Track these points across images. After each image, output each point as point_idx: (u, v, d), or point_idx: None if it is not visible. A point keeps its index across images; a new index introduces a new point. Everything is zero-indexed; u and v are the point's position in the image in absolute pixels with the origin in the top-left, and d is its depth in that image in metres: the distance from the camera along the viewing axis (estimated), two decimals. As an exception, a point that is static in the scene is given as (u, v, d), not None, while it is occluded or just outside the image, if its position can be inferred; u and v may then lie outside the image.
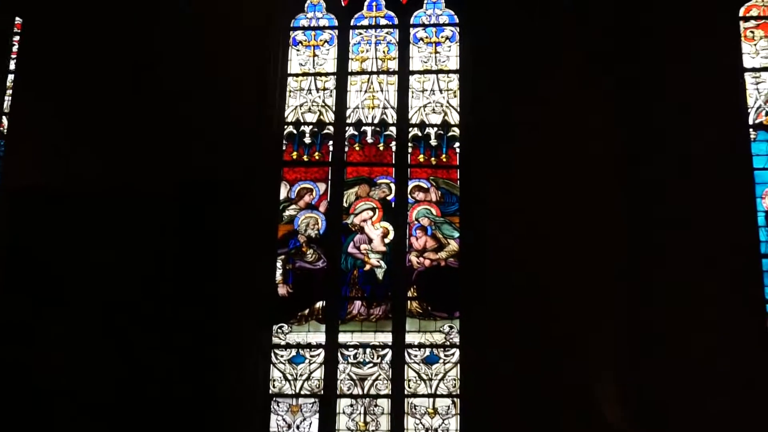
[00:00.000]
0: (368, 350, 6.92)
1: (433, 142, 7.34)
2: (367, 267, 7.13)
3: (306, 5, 7.76)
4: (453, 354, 6.87)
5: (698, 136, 6.91)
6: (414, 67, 7.53)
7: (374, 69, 7.56)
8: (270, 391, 6.86)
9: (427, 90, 7.46)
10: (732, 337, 6.54)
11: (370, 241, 7.18)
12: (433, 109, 7.41)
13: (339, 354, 6.92)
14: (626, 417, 6.38)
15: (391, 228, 7.20)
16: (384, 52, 7.60)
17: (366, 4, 7.72)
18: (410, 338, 6.92)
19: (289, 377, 6.89)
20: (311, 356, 6.93)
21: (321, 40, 7.68)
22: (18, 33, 7.79)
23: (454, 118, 7.37)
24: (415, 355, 6.88)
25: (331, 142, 7.39)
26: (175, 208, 6.88)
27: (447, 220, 7.19)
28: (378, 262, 7.14)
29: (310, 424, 6.80)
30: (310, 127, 7.44)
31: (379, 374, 6.87)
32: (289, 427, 6.81)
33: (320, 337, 6.96)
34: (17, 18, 7.81)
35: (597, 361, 6.49)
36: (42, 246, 6.85)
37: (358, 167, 7.35)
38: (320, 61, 7.62)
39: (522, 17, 7.31)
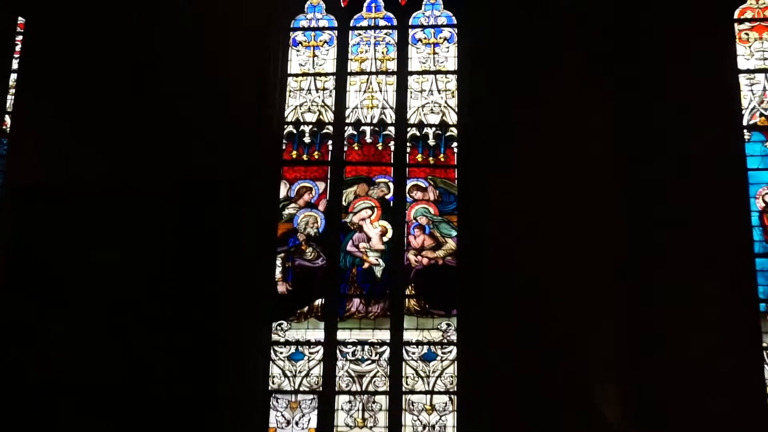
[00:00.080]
0: (366, 347, 6.97)
1: (431, 141, 7.38)
2: (366, 265, 7.17)
3: (306, 6, 7.80)
4: (450, 351, 6.92)
5: (698, 137, 6.94)
6: (412, 67, 7.58)
7: (373, 69, 7.60)
8: (269, 388, 6.90)
9: (425, 90, 7.51)
10: (732, 337, 6.57)
11: (369, 239, 7.23)
12: (432, 110, 7.46)
13: (338, 351, 6.96)
14: (626, 417, 6.41)
15: (389, 227, 7.24)
16: (383, 52, 7.64)
17: (365, 5, 7.76)
18: (408, 336, 6.97)
19: (289, 374, 6.94)
20: (310, 353, 6.98)
21: (321, 41, 7.72)
22: (21, 33, 7.81)
23: (452, 118, 7.42)
24: (413, 353, 6.93)
25: (330, 142, 7.43)
26: (176, 208, 6.90)
27: (445, 219, 7.23)
28: (376, 260, 7.18)
29: (309, 420, 6.85)
30: (310, 126, 7.48)
31: (378, 371, 6.92)
32: (288, 423, 6.85)
33: (319, 335, 7.01)
34: (20, 18, 7.83)
35: (597, 361, 6.52)
36: (43, 245, 6.87)
37: (357, 166, 7.39)
38: (320, 62, 7.67)
39: (522, 17, 7.34)
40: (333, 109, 7.51)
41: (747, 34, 7.33)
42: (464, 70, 7.47)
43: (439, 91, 7.50)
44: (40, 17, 7.62)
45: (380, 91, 7.54)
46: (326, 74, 7.62)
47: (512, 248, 6.81)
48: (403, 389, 6.86)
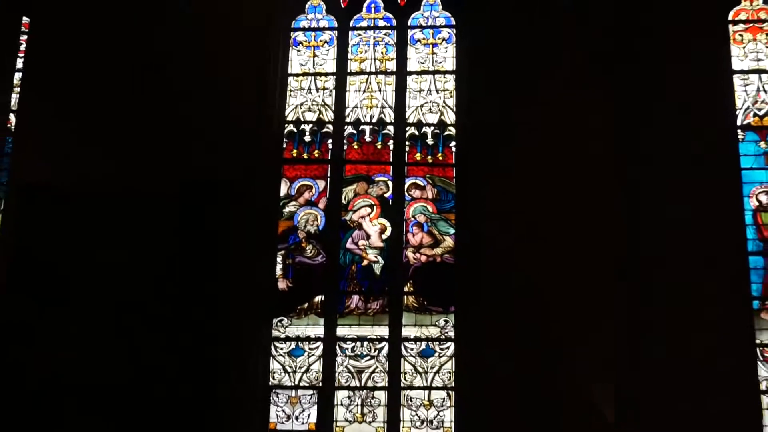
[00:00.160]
0: (366, 343, 7.03)
1: (430, 141, 7.44)
2: (365, 262, 7.24)
3: (306, 6, 7.86)
4: (448, 347, 6.99)
5: (697, 136, 6.98)
6: (411, 67, 7.65)
7: (373, 69, 7.67)
8: (270, 383, 6.97)
9: (424, 90, 7.57)
10: (732, 337, 6.62)
11: (368, 237, 7.29)
12: (430, 109, 7.52)
13: (337, 347, 7.03)
14: (625, 417, 6.45)
15: (388, 224, 7.30)
16: (382, 52, 7.71)
17: (365, 5, 7.83)
18: (406, 332, 7.03)
19: (289, 369, 7.00)
20: (310, 349, 7.04)
21: (321, 41, 7.78)
22: (25, 32, 7.86)
23: (450, 117, 7.48)
24: (411, 349, 6.99)
25: (330, 141, 7.49)
26: (176, 207, 6.94)
27: (443, 217, 7.29)
28: (375, 257, 7.25)
29: (309, 415, 6.91)
30: (310, 125, 7.54)
31: (376, 367, 6.98)
32: (288, 417, 6.92)
33: (319, 331, 7.07)
34: (25, 18, 7.89)
35: (595, 361, 6.54)
36: (46, 244, 6.91)
37: (357, 165, 7.45)
38: (320, 62, 7.73)
39: (521, 17, 7.36)
40: (333, 108, 7.57)
41: (741, 35, 7.41)
42: (462, 71, 7.53)
43: (437, 90, 7.56)
44: (45, 17, 7.67)
45: (379, 90, 7.60)
46: (326, 74, 7.68)
47: (510, 247, 6.84)
48: (402, 385, 6.92)
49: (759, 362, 6.68)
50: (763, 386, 6.64)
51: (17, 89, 7.73)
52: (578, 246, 6.75)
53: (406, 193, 7.36)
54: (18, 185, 7.15)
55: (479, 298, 6.85)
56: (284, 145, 7.48)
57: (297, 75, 7.69)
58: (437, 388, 6.91)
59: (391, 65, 7.67)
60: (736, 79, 7.27)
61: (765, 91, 7.25)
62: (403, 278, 7.16)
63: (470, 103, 7.36)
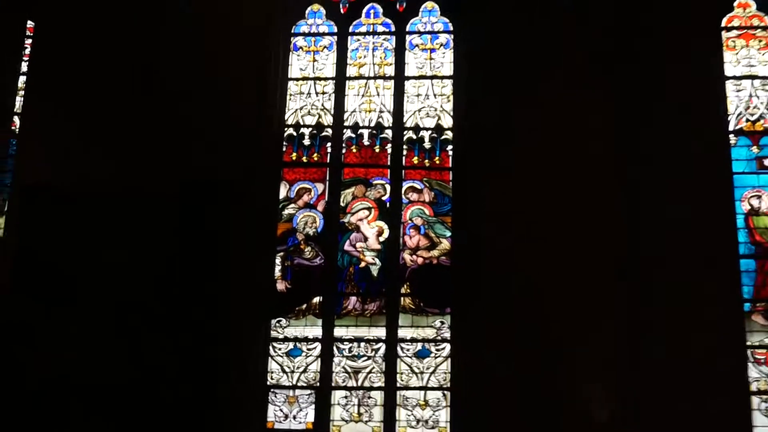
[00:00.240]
0: (363, 344, 7.09)
1: (427, 144, 7.51)
2: (363, 264, 7.31)
3: (307, 12, 7.94)
4: (444, 348, 7.04)
5: (697, 137, 7.02)
6: (409, 72, 7.72)
7: (371, 74, 7.74)
8: (268, 383, 7.03)
9: (421, 95, 7.65)
10: (732, 337, 6.68)
11: (366, 239, 7.35)
12: (428, 113, 7.60)
13: (334, 347, 7.09)
14: (625, 417, 6.47)
15: (385, 227, 7.37)
16: (381, 57, 7.78)
17: (364, 11, 7.90)
18: (403, 333, 7.09)
19: (287, 369, 7.06)
20: (308, 349, 7.10)
21: (321, 46, 7.85)
22: (30, 36, 7.95)
23: (447, 121, 7.55)
24: (408, 349, 7.05)
25: (329, 144, 7.56)
26: (176, 208, 6.99)
27: (439, 219, 7.36)
28: (373, 259, 7.31)
29: (306, 414, 6.97)
30: (310, 129, 7.61)
31: (373, 367, 7.04)
32: (286, 417, 6.98)
33: (317, 331, 7.13)
34: (29, 22, 7.99)
35: (596, 361, 6.57)
36: (48, 244, 6.96)
37: (355, 168, 7.53)
38: (320, 66, 7.80)
39: (521, 18, 7.40)
40: (332, 112, 7.64)
41: (734, 41, 7.49)
42: (460, 75, 7.59)
43: (435, 95, 7.63)
44: (48, 21, 7.75)
45: (378, 95, 7.67)
46: (326, 78, 7.74)
47: (509, 248, 6.88)
48: (398, 385, 6.97)
49: (750, 364, 6.74)
50: (753, 387, 6.70)
51: (21, 92, 7.82)
52: (577, 246, 6.80)
53: (403, 196, 7.43)
54: (21, 186, 7.22)
55: (475, 299, 6.90)
56: (284, 149, 7.54)
57: (297, 79, 7.76)
58: (433, 389, 6.96)
59: (390, 70, 7.74)
60: (729, 85, 7.35)
61: (757, 97, 7.33)
62: (400, 280, 7.22)
63: (467, 106, 7.41)
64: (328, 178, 7.51)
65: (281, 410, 7.00)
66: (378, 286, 7.26)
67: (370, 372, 7.04)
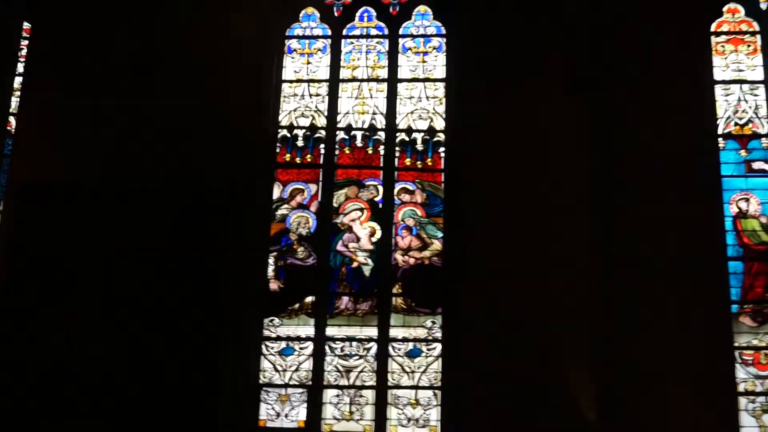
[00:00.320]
0: (354, 343, 7.13)
1: (420, 146, 7.55)
2: (355, 264, 7.35)
3: (301, 15, 7.98)
4: (435, 348, 7.08)
5: (678, 143, 7.09)
6: (402, 75, 7.76)
7: (365, 77, 7.79)
8: (260, 381, 7.07)
9: (414, 97, 7.69)
10: (720, 339, 6.76)
11: (358, 239, 7.40)
12: (420, 116, 7.64)
13: (327, 347, 7.13)
14: (611, 417, 6.54)
15: (378, 227, 7.41)
16: (374, 60, 7.83)
17: (358, 15, 7.95)
18: (394, 332, 7.13)
19: (279, 368, 7.10)
20: (300, 348, 7.14)
21: (314, 49, 7.90)
22: (26, 37, 7.97)
23: (439, 124, 7.60)
24: (399, 349, 7.10)
25: (322, 146, 7.60)
26: (170, 208, 7.03)
27: (431, 221, 7.40)
28: (365, 259, 7.36)
29: (298, 413, 7.00)
30: (303, 130, 7.65)
31: (365, 366, 7.08)
32: (278, 415, 7.01)
33: (309, 331, 7.17)
34: (25, 23, 8.00)
35: (579, 360, 6.64)
36: (45, 243, 7.00)
37: (348, 169, 7.57)
38: (313, 69, 7.84)
39: (507, 27, 7.48)
40: (326, 114, 7.68)
41: (723, 46, 7.58)
42: (452, 78, 7.65)
43: (427, 98, 7.68)
44: (45, 23, 7.78)
45: (371, 97, 7.72)
46: (319, 81, 7.79)
47: (497, 250, 6.94)
48: (389, 384, 7.02)
49: (737, 365, 6.81)
50: (741, 388, 6.77)
51: (17, 93, 7.83)
52: (568, 247, 6.87)
53: (395, 197, 7.47)
54: (17, 185, 7.24)
55: (465, 300, 6.96)
56: (278, 150, 7.59)
57: (291, 81, 7.80)
58: (424, 388, 7.00)
59: (383, 73, 7.79)
60: (718, 89, 7.43)
61: (746, 101, 7.41)
62: (392, 280, 7.26)
63: (459, 109, 7.48)
64: (321, 179, 7.54)
65: (273, 408, 7.03)
66: (370, 286, 7.30)
67: (361, 371, 7.08)
